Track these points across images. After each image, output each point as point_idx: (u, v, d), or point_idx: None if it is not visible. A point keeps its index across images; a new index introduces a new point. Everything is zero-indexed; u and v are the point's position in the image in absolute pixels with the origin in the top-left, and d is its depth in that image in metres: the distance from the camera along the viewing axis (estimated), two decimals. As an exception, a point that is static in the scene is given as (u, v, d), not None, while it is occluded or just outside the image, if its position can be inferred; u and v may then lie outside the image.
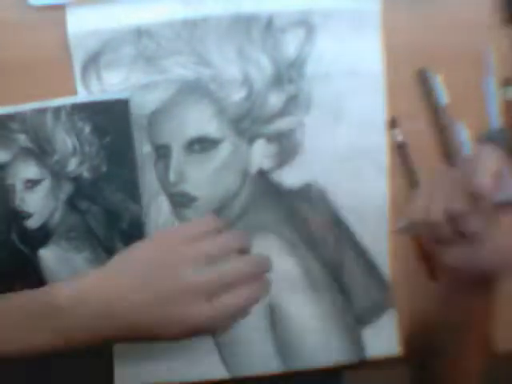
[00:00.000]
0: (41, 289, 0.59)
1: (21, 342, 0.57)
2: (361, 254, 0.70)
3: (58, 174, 0.69)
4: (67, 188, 0.69)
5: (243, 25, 0.67)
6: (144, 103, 0.68)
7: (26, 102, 0.67)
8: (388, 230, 0.69)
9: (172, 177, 0.69)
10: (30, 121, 0.68)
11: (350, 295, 0.70)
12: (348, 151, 0.69)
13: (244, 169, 0.69)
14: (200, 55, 0.67)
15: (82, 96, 0.68)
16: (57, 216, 0.70)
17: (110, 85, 0.68)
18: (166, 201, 0.70)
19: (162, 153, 0.69)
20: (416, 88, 0.69)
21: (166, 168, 0.69)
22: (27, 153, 0.69)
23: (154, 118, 0.68)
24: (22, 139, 0.69)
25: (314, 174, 0.69)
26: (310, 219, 0.70)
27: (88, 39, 0.67)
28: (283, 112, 0.68)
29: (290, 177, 0.69)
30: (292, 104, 0.68)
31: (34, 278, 0.70)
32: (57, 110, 0.68)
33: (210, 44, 0.67)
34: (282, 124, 0.69)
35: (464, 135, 0.70)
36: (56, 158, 0.69)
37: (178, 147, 0.68)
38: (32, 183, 0.69)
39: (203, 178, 0.69)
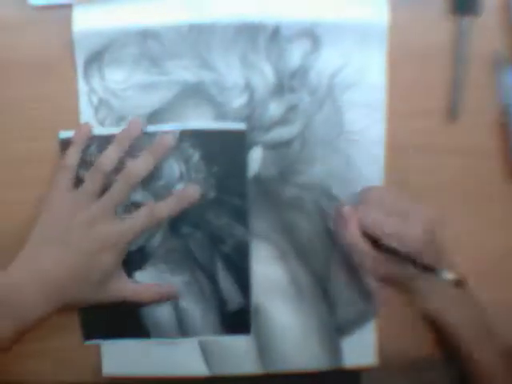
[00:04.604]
0: None
1: None
2: (349, 266, 0.71)
3: (161, 199, 0.68)
4: None
5: (249, 33, 0.67)
6: (145, 103, 0.68)
7: (26, 102, 0.68)
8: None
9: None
10: (137, 145, 0.67)
11: (335, 306, 0.72)
12: (346, 163, 0.70)
13: None
14: (203, 59, 0.67)
15: (194, 123, 0.67)
16: (157, 239, 0.69)
17: (112, 82, 0.67)
18: None
19: None
20: (416, 87, 0.71)
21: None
22: None
23: (154, 118, 0.68)
24: None
25: (309, 184, 0.70)
26: (302, 229, 0.71)
27: (92, 37, 0.66)
28: (282, 121, 0.69)
29: (286, 186, 0.70)
30: (292, 113, 0.69)
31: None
32: (166, 136, 0.67)
33: (214, 49, 0.67)
34: (280, 133, 0.69)
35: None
36: (161, 182, 0.68)
37: None
38: (135, 206, 0.67)
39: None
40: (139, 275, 0.70)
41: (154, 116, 0.68)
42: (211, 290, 0.71)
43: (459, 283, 0.59)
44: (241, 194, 0.68)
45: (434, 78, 0.71)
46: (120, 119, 0.67)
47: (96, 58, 0.66)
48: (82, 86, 0.67)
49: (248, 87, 0.68)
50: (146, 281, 0.70)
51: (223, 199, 0.68)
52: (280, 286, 0.71)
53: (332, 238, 0.70)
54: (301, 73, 0.68)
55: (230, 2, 0.67)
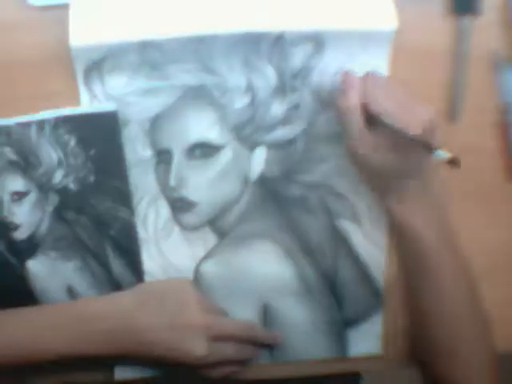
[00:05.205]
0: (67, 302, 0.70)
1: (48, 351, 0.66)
2: (356, 263, 0.72)
3: (43, 186, 0.69)
4: (53, 199, 0.70)
5: (252, 40, 0.66)
6: (147, 107, 0.68)
7: (26, 102, 0.68)
8: (385, 240, 0.72)
9: (172, 181, 0.69)
10: (14, 134, 0.68)
11: (342, 301, 0.73)
12: (349, 162, 0.69)
13: (244, 175, 0.70)
14: (205, 63, 0.67)
15: (67, 109, 0.68)
16: (44, 227, 0.71)
17: (113, 89, 0.67)
18: (165, 205, 0.70)
19: (163, 157, 0.69)
20: (416, 87, 0.70)
21: (167, 173, 0.69)
22: (13, 166, 0.69)
23: (157, 122, 0.68)
24: (8, 152, 0.69)
25: (314, 182, 0.70)
26: (307, 227, 0.72)
27: (90, 50, 0.65)
28: (285, 120, 0.69)
29: (290, 185, 0.70)
30: (294, 113, 0.69)
31: (21, 288, 0.72)
32: (41, 124, 0.68)
33: (216, 54, 0.66)
34: (283, 132, 0.69)
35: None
36: (41, 170, 0.69)
37: (179, 152, 0.69)
38: (19, 195, 0.70)
39: (203, 183, 0.70)
40: (32, 263, 0.72)
41: (157, 119, 0.69)
42: (104, 275, 0.72)
43: (455, 161, 0.57)
44: (121, 175, 0.69)
45: (434, 78, 0.71)
46: (124, 124, 0.68)
47: (95, 67, 0.66)
48: (83, 92, 0.67)
49: (250, 88, 0.68)
50: (40, 269, 0.72)
51: (103, 182, 0.70)
52: (287, 283, 0.72)
53: (338, 235, 0.72)
54: (303, 73, 0.68)
55: (232, 15, 0.66)
